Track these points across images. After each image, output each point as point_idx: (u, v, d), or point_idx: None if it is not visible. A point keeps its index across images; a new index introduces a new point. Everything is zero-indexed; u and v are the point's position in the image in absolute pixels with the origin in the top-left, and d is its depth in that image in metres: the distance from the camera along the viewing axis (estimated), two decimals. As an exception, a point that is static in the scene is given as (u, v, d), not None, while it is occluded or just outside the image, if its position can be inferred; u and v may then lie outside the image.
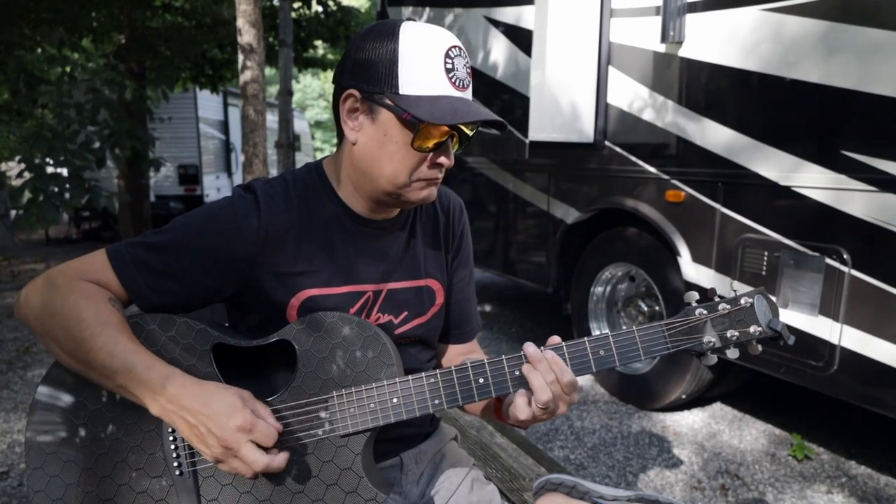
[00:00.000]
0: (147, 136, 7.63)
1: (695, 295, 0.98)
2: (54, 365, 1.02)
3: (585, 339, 0.96)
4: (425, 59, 0.95)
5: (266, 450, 0.91)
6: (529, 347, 0.96)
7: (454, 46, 0.97)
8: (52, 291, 0.98)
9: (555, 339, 0.99)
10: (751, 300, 0.96)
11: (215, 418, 0.89)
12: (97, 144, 6.47)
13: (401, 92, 0.95)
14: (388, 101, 0.96)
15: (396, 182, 1.01)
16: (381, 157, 1.00)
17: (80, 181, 6.18)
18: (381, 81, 0.96)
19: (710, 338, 0.96)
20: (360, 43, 0.99)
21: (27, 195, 5.81)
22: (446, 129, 0.98)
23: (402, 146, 0.98)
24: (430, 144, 0.98)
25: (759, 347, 0.96)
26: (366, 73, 0.97)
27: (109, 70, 7.18)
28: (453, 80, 0.97)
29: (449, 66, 0.96)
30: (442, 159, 1.01)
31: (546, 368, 0.94)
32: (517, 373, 0.96)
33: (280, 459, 0.92)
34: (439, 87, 0.96)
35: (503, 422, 1.07)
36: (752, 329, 0.95)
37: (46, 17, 6.56)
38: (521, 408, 0.95)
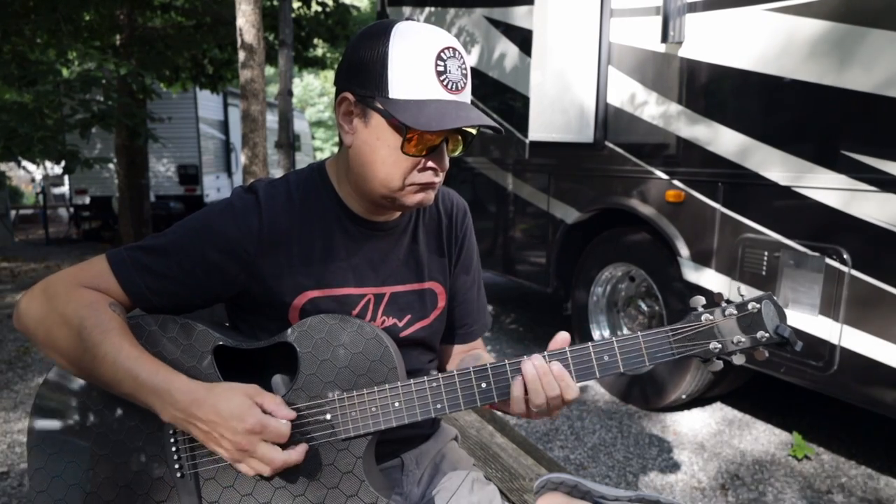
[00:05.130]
0: (142, 113, 7.52)
1: (701, 300, 0.96)
2: (56, 365, 1.01)
3: (589, 344, 0.95)
4: (415, 61, 0.92)
5: (283, 445, 0.92)
6: (536, 360, 0.94)
7: (448, 48, 0.93)
8: (51, 301, 0.96)
9: (561, 338, 0.96)
10: (758, 305, 0.93)
11: (226, 423, 0.89)
12: (79, 116, 6.33)
13: (390, 96, 0.93)
14: (378, 105, 0.94)
15: (389, 186, 0.99)
16: (374, 161, 0.98)
17: (55, 142, 6.06)
18: (372, 84, 0.94)
19: (716, 344, 0.93)
20: (355, 44, 0.98)
21: None
22: (439, 133, 0.95)
23: (393, 151, 0.96)
24: (422, 149, 0.96)
25: (766, 353, 0.94)
26: (358, 76, 0.96)
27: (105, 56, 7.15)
28: (445, 82, 0.93)
29: (440, 68, 0.93)
30: (435, 164, 0.98)
31: (551, 383, 0.93)
32: (520, 377, 0.95)
33: (298, 453, 0.93)
34: (429, 90, 0.93)
35: (497, 410, 1.06)
36: (759, 335, 0.93)
37: (44, 16, 6.54)
38: (517, 402, 0.95)
